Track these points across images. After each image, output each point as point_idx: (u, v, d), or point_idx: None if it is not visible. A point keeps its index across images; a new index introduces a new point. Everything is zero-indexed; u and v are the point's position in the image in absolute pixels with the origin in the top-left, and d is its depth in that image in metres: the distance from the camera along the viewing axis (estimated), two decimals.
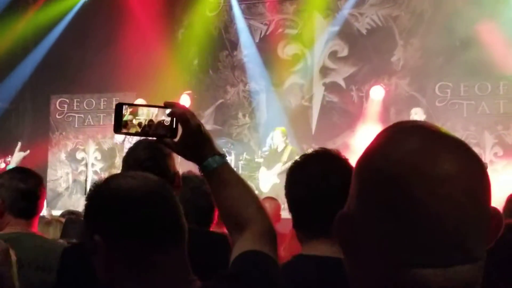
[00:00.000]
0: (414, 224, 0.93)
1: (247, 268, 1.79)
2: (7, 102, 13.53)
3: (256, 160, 11.95)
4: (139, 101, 9.83)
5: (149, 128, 1.90)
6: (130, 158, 3.03)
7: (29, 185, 3.44)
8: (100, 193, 1.74)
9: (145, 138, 2.18)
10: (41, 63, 13.46)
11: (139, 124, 1.90)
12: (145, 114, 1.91)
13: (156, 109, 1.92)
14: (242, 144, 12.71)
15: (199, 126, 1.87)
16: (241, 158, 12.06)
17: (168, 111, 1.87)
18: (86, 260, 1.78)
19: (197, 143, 1.89)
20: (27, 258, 3.22)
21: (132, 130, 1.93)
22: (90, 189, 1.79)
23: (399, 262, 0.95)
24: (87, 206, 1.76)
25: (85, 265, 1.83)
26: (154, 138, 1.94)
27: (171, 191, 1.76)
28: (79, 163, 13.65)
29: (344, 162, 2.17)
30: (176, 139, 1.89)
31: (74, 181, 13.52)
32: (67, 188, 13.47)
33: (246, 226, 1.89)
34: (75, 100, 13.76)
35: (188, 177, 3.29)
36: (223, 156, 1.93)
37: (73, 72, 13.21)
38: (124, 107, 1.92)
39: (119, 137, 10.01)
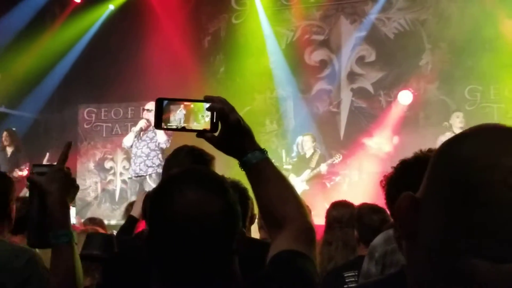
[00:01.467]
0: (484, 213, 0.92)
1: (283, 268, 1.76)
2: (35, 113, 13.62)
3: (285, 167, 11.89)
4: (153, 104, 9.80)
5: (189, 123, 1.89)
6: (172, 165, 2.99)
7: None
8: (161, 213, 1.68)
9: (186, 137, 2.14)
10: (68, 73, 13.54)
11: (180, 119, 1.89)
12: (185, 109, 1.89)
13: (196, 103, 1.91)
14: (270, 151, 12.65)
15: (239, 121, 1.87)
16: None
17: (207, 105, 1.86)
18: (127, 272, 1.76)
19: (237, 138, 1.88)
20: None
21: (173, 125, 1.93)
22: (153, 201, 1.72)
23: (459, 250, 0.93)
24: (147, 213, 1.73)
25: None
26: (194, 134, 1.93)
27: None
28: (108, 172, 13.68)
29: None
30: (216, 134, 1.88)
31: (103, 190, 13.55)
32: (96, 198, 13.50)
33: (284, 224, 1.86)
34: (102, 109, 13.81)
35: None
36: (263, 152, 1.92)
37: (101, 82, 13.28)
38: (164, 102, 1.92)
39: (127, 142, 10.02)
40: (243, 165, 1.90)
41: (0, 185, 3.47)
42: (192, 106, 1.90)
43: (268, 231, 1.96)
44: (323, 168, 11.31)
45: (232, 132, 1.86)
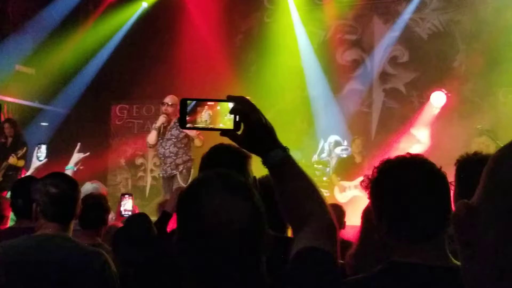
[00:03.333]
0: None
1: (307, 265, 1.79)
2: (68, 108, 13.74)
3: (315, 166, 11.86)
4: (169, 97, 9.81)
5: (215, 123, 1.93)
6: (209, 164, 3.00)
7: (60, 190, 3.54)
8: (188, 217, 1.73)
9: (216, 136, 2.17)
10: (101, 70, 13.65)
11: (206, 120, 1.94)
12: (211, 109, 1.94)
13: (222, 103, 1.95)
14: (299, 151, 12.64)
15: (260, 120, 1.90)
16: (299, 163, 11.97)
17: (231, 104, 1.90)
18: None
19: (259, 136, 1.91)
20: (54, 258, 3.37)
21: (197, 125, 1.98)
22: (184, 201, 1.76)
23: None
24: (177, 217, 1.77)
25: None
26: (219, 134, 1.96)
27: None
28: (138, 168, 13.77)
29: (438, 169, 2.16)
30: (239, 132, 1.91)
31: (133, 186, 13.64)
32: None
33: (306, 221, 1.89)
34: (134, 106, 13.91)
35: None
36: (285, 150, 1.95)
37: (133, 79, 13.36)
38: (189, 102, 1.98)
39: (151, 140, 10.03)
40: (266, 163, 1.94)
41: (70, 188, 3.62)
42: (218, 107, 1.94)
43: (291, 227, 2.03)
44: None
45: (254, 131, 1.90)
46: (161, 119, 9.85)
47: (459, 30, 12.00)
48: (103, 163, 13.43)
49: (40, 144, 5.76)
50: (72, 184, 3.66)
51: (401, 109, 12.25)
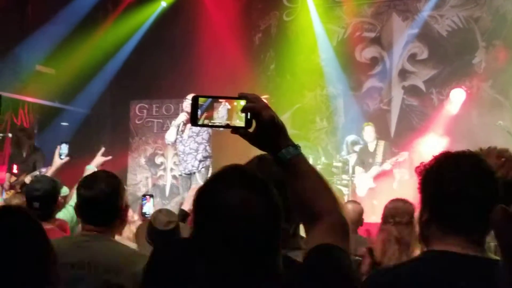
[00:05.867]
0: None
1: (321, 262, 1.81)
2: (88, 108, 13.80)
3: (334, 164, 11.82)
4: (191, 96, 9.87)
5: (224, 120, 1.93)
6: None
7: (93, 193, 3.45)
8: (205, 212, 1.76)
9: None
10: (121, 69, 13.71)
11: (215, 116, 1.94)
12: (220, 106, 1.95)
13: (237, 100, 1.94)
14: (320, 149, 12.63)
15: (272, 118, 1.89)
16: (318, 162, 11.98)
17: (242, 102, 1.90)
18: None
19: (271, 134, 1.91)
20: (94, 260, 3.30)
21: (208, 122, 1.98)
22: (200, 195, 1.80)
23: None
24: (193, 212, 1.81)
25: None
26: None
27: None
28: (158, 167, 13.82)
29: (490, 166, 2.23)
30: (250, 130, 1.91)
31: (154, 185, 13.69)
32: (146, 193, 13.63)
33: (319, 218, 1.89)
34: (154, 105, 13.95)
35: None
36: (297, 147, 1.95)
37: (152, 78, 13.41)
38: (200, 99, 1.98)
39: (170, 137, 10.07)
40: (278, 161, 1.93)
41: (112, 185, 3.52)
42: (229, 104, 1.94)
43: (303, 224, 2.00)
44: (387, 166, 10.78)
45: (265, 129, 1.89)
46: (181, 116, 9.89)
47: (479, 26, 11.93)
48: (123, 162, 13.50)
49: (62, 142, 5.80)
50: (110, 184, 3.51)
51: (420, 106, 12.22)
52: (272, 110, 1.91)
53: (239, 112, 1.92)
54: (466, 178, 2.16)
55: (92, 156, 6.96)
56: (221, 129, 2.04)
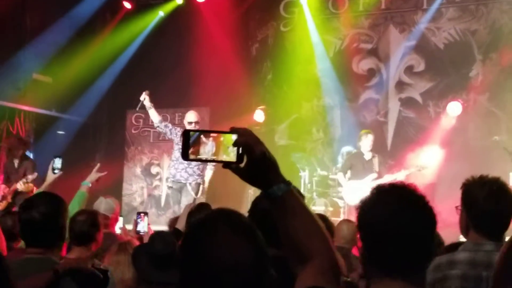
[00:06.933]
0: None
1: None
2: (84, 117, 13.79)
3: (331, 176, 11.80)
4: (192, 113, 9.91)
5: (218, 155, 1.93)
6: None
7: (31, 215, 3.50)
8: (193, 261, 1.73)
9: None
10: (118, 78, 13.71)
11: (209, 151, 1.93)
12: (215, 141, 1.96)
13: (225, 135, 1.93)
14: (316, 160, 12.62)
15: (264, 153, 1.86)
16: (314, 174, 11.97)
17: (234, 136, 1.88)
18: None
19: (262, 170, 1.88)
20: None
21: (200, 156, 1.98)
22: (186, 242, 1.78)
23: None
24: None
25: None
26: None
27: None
28: (154, 177, 13.79)
29: (423, 198, 2.07)
30: (242, 165, 1.88)
31: (149, 195, 13.67)
32: (142, 203, 13.62)
33: (310, 259, 1.87)
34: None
35: None
36: (288, 184, 1.91)
37: (149, 87, 13.37)
38: (192, 134, 1.97)
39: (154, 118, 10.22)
40: (268, 197, 1.90)
41: (52, 207, 3.55)
42: (221, 138, 1.96)
43: (292, 264, 1.96)
44: (387, 178, 9.96)
45: (257, 164, 1.86)
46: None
47: (476, 39, 11.94)
48: (118, 172, 13.47)
49: (55, 156, 5.77)
50: (50, 206, 3.54)
51: (417, 119, 12.22)
52: (264, 145, 1.88)
53: (229, 147, 1.91)
54: (401, 216, 2.02)
55: (88, 166, 6.95)
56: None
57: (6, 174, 10.51)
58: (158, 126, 10.35)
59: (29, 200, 3.65)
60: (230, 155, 1.91)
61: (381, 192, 2.09)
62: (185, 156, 1.96)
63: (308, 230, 1.90)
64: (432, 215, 2.03)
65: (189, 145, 1.96)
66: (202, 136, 1.97)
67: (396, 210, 2.02)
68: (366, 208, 2.08)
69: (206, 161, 1.99)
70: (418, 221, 2.00)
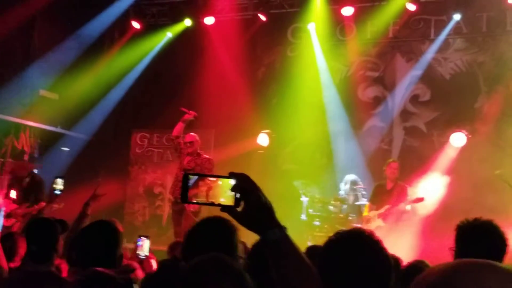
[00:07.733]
0: None
1: None
2: (89, 134, 13.83)
3: (332, 202, 11.74)
4: (193, 137, 10.00)
5: (214, 197, 1.98)
6: (200, 235, 3.13)
7: None
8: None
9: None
10: (124, 98, 13.79)
11: (206, 193, 1.98)
12: (211, 184, 1.99)
13: (223, 179, 1.99)
14: (318, 186, 12.58)
15: (260, 199, 1.93)
16: (315, 200, 11.94)
17: (232, 181, 1.94)
18: None
19: (258, 215, 1.94)
20: None
21: (199, 199, 2.03)
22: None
23: None
24: None
25: None
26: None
27: None
28: (156, 197, 13.80)
29: (378, 243, 2.15)
30: (239, 209, 1.95)
31: (151, 215, 13.67)
32: (143, 222, 13.62)
33: None
34: (155, 135, 13.97)
35: None
36: (282, 229, 1.97)
37: (155, 108, 13.45)
38: (190, 176, 2.05)
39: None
40: (263, 242, 1.95)
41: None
42: (220, 183, 1.98)
43: None
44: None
45: (253, 209, 1.92)
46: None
47: (482, 71, 11.98)
48: (121, 191, 13.49)
49: (56, 177, 5.80)
50: None
51: (421, 148, 12.20)
52: (261, 191, 1.94)
53: (227, 191, 1.95)
54: (355, 260, 2.11)
55: (91, 182, 6.97)
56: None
57: (12, 189, 10.35)
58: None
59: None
60: (228, 199, 1.96)
61: (339, 238, 2.18)
62: (184, 198, 2.02)
63: (301, 274, 1.95)
64: (387, 260, 2.12)
65: (188, 188, 2.01)
66: (200, 179, 2.04)
67: (354, 255, 2.10)
68: (325, 254, 2.16)
69: (204, 204, 2.03)
70: (374, 265, 2.09)
